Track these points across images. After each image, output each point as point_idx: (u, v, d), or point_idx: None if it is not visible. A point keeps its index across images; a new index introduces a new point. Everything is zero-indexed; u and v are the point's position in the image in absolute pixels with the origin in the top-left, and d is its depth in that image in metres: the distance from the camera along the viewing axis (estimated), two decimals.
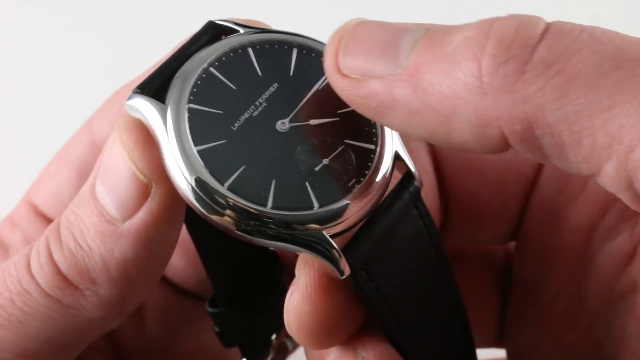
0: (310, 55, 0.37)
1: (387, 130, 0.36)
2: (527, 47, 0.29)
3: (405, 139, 0.37)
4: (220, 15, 0.39)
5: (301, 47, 0.37)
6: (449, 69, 0.30)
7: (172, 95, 0.34)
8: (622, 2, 0.85)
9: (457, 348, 0.41)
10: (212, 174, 0.33)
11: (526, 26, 0.29)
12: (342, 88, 0.32)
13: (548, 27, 0.29)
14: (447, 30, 0.31)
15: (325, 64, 0.33)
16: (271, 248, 0.37)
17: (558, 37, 0.29)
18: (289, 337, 0.50)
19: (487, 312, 0.46)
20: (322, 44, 0.37)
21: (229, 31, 0.37)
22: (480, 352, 0.43)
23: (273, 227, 0.33)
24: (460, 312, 0.40)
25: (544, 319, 0.43)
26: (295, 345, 0.50)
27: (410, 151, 0.37)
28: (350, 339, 0.37)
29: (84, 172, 0.45)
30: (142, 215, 0.35)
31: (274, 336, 0.49)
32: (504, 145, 0.30)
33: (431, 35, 0.31)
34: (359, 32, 0.32)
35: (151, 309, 0.49)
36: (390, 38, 0.31)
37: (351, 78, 0.32)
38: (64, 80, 0.83)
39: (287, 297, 0.36)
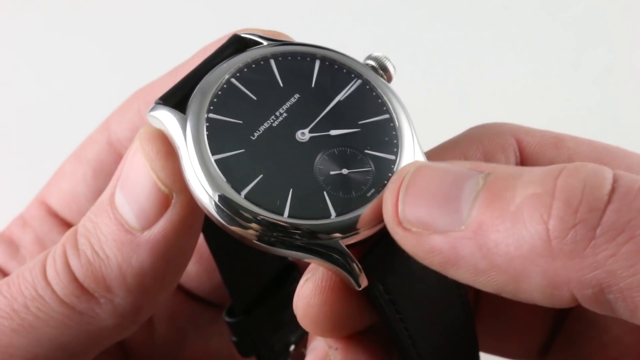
0: (333, 67, 0.36)
1: (408, 141, 0.36)
2: (596, 211, 0.28)
3: None
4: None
5: (324, 59, 0.37)
6: (514, 229, 0.29)
7: (192, 105, 0.34)
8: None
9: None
10: (229, 182, 0.33)
11: (592, 185, 0.28)
12: (404, 242, 0.32)
13: (615, 186, 0.28)
14: (508, 182, 0.30)
15: (385, 215, 0.32)
16: (289, 258, 0.36)
17: (626, 199, 0.28)
18: None
19: (535, 330, 0.45)
20: (346, 56, 0.37)
21: (253, 44, 0.37)
22: None
23: (298, 237, 0.33)
24: (469, 328, 0.40)
25: (597, 358, 0.42)
26: None
27: None
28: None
29: (100, 171, 0.45)
30: (162, 226, 0.35)
31: (292, 347, 0.49)
32: (574, 303, 0.29)
33: (492, 188, 0.30)
34: (417, 179, 0.32)
35: (160, 313, 0.48)
36: (450, 188, 0.31)
37: (413, 232, 0.31)
38: (66, 80, 0.82)
39: (300, 284, 0.35)
